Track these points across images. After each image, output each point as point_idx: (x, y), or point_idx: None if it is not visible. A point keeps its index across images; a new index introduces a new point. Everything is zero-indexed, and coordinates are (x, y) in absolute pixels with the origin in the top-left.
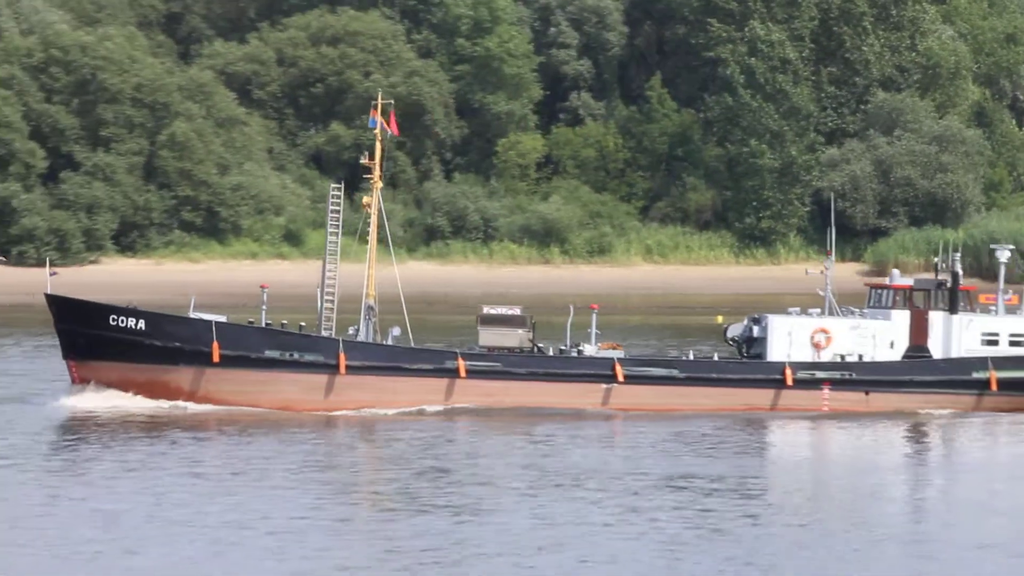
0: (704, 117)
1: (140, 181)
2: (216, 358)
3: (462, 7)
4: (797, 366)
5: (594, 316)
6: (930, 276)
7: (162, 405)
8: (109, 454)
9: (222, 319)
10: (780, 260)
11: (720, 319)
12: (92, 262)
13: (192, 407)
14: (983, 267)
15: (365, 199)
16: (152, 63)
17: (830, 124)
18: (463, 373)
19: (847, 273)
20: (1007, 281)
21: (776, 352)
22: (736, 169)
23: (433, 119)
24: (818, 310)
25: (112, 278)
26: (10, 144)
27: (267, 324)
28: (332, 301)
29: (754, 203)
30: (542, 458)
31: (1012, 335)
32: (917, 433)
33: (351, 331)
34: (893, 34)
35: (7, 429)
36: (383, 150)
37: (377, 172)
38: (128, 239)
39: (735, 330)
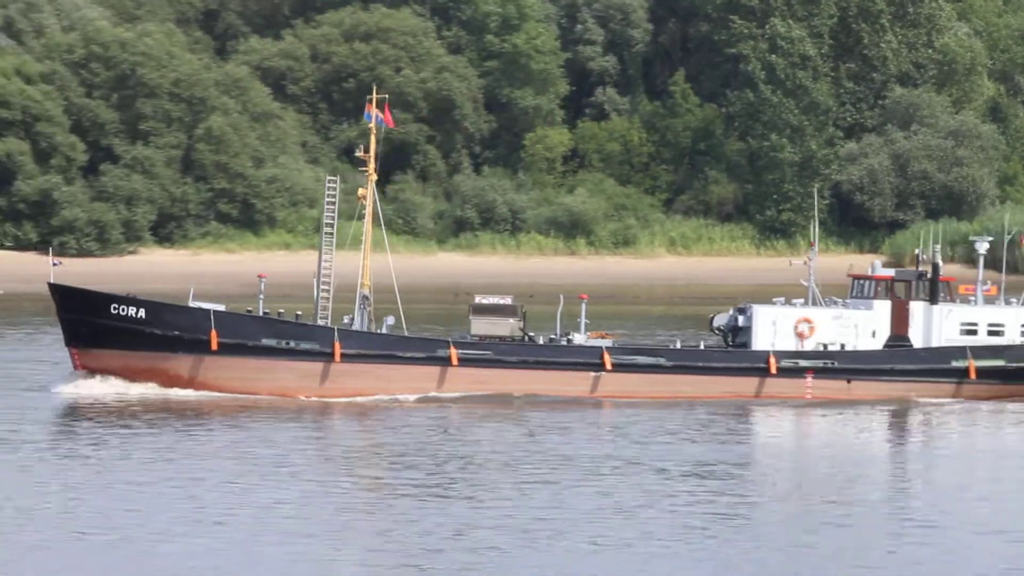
0: (726, 112)
1: (178, 174)
2: (214, 346)
3: (491, 4)
4: (781, 355)
5: (583, 306)
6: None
7: (163, 391)
8: (143, 440)
9: (221, 308)
10: (800, 252)
11: None
12: (131, 252)
13: (191, 393)
14: (996, 258)
15: (360, 191)
16: (190, 59)
17: (849, 119)
18: (455, 361)
19: (864, 265)
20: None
21: (761, 341)
22: (757, 163)
23: (462, 114)
24: (801, 300)
25: (150, 268)
26: (52, 138)
27: (265, 313)
28: (328, 291)
29: (774, 196)
30: (556, 446)
31: (990, 325)
32: (897, 420)
33: (346, 320)
34: (910, 31)
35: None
36: (378, 143)
37: (372, 165)
38: (166, 230)
39: (721, 319)
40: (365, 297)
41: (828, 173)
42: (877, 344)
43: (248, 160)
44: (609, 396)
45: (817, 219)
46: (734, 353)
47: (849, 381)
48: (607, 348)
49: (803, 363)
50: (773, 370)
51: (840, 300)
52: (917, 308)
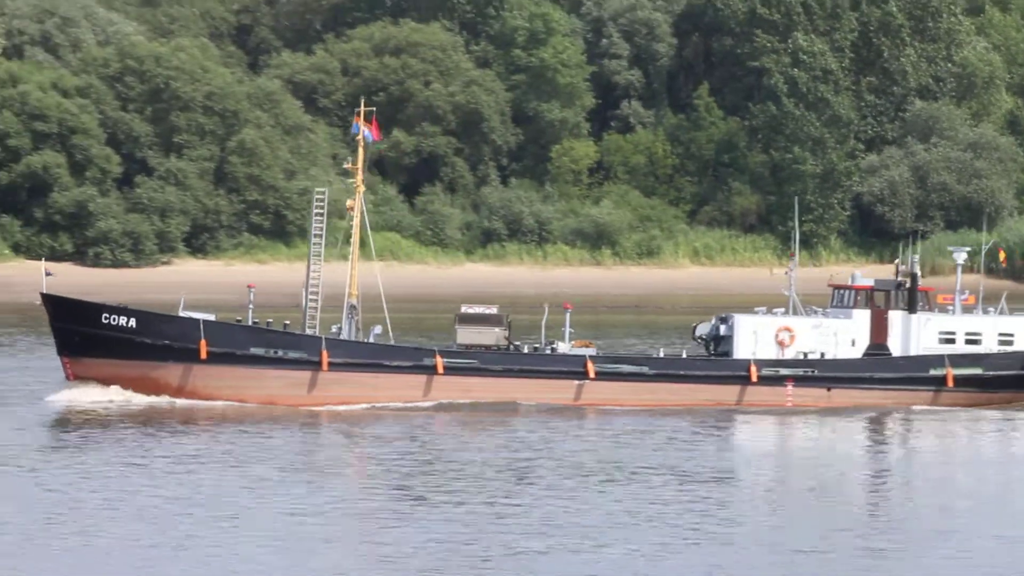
0: (749, 125)
1: (211, 186)
2: (204, 355)
3: (518, 19)
4: (762, 363)
5: (567, 316)
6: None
7: (154, 400)
8: (154, 447)
9: (211, 318)
10: (821, 262)
11: None
12: (164, 263)
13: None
14: (1016, 268)
15: (349, 202)
16: (223, 73)
17: (870, 132)
18: (441, 369)
19: (885, 275)
20: None
21: (742, 350)
22: (780, 175)
23: (490, 126)
24: (782, 309)
25: (183, 278)
26: (87, 150)
27: (254, 322)
28: (316, 300)
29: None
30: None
31: (968, 334)
32: (876, 427)
33: (334, 329)
34: (930, 45)
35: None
36: (366, 155)
37: (359, 177)
38: (199, 241)
39: (703, 329)
40: (353, 307)
41: (849, 185)
42: (857, 352)
43: (280, 172)
44: (592, 404)
45: (798, 231)
46: (716, 362)
47: (829, 389)
48: (590, 357)
49: (784, 371)
50: (754, 378)
51: (820, 309)
52: (896, 317)
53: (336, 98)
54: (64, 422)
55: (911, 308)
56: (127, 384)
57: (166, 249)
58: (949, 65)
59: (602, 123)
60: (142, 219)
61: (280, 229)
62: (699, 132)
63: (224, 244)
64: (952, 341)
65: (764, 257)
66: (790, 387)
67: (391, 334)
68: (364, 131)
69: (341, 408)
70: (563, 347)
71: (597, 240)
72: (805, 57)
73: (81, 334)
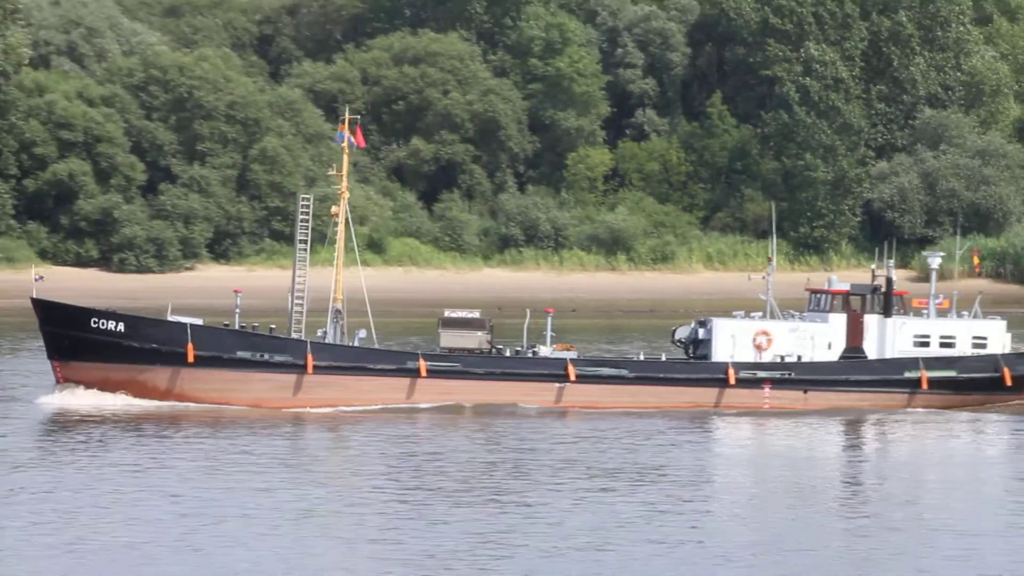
0: (761, 133)
1: (233, 193)
2: (191, 358)
3: (535, 30)
4: (740, 366)
5: (549, 319)
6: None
7: (142, 403)
8: (174, 449)
9: (198, 322)
10: (833, 267)
11: None
12: (188, 269)
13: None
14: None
15: (334, 208)
16: (245, 82)
17: (880, 139)
18: (424, 372)
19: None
20: None
21: (720, 353)
22: (791, 181)
23: (507, 134)
24: (760, 313)
25: (206, 283)
26: (112, 158)
27: (241, 326)
28: (302, 305)
29: (808, 213)
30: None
31: (942, 337)
32: (852, 429)
33: (319, 333)
34: (939, 54)
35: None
36: (350, 162)
37: (344, 183)
38: (222, 247)
39: (682, 332)
40: (338, 311)
41: (860, 191)
42: (833, 356)
43: (301, 179)
44: (573, 406)
45: (774, 237)
46: (694, 364)
47: (806, 391)
48: (571, 360)
49: (761, 374)
50: (732, 381)
51: (797, 313)
52: (871, 321)
53: (356, 107)
54: (53, 424)
55: (886, 312)
56: (116, 387)
57: (189, 255)
58: (958, 74)
59: (617, 131)
60: (166, 225)
61: None
62: (712, 140)
63: (246, 250)
64: (927, 344)
65: (776, 262)
66: (767, 389)
67: (375, 338)
68: (348, 138)
69: (326, 410)
70: (544, 350)
71: (612, 246)
72: (817, 66)
73: (70, 338)
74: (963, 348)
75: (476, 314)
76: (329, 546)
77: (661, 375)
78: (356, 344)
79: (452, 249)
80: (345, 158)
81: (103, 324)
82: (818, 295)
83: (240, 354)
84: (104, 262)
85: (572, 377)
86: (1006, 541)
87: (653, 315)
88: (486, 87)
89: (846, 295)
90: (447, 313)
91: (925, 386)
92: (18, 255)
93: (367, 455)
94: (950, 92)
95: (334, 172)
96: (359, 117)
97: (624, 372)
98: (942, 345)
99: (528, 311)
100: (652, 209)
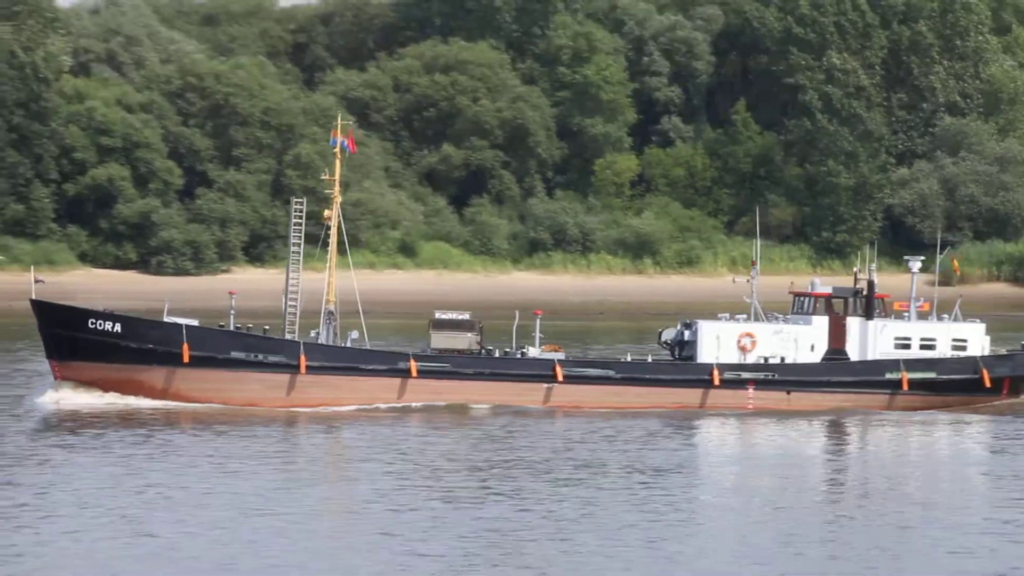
0: (785, 139)
1: (268, 197)
2: (186, 359)
3: (563, 38)
4: (724, 367)
5: (537, 321)
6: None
7: (139, 403)
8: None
9: (194, 323)
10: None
11: None
12: (224, 271)
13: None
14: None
15: (326, 212)
16: (279, 89)
17: (900, 146)
18: (414, 373)
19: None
20: None
21: (705, 355)
22: (814, 187)
23: (536, 141)
24: (744, 316)
25: (241, 286)
26: (150, 163)
27: (236, 327)
28: (295, 306)
29: (830, 218)
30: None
31: (923, 339)
32: (834, 429)
33: (312, 334)
34: (958, 63)
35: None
36: (342, 167)
37: (337, 188)
38: (257, 250)
39: (668, 334)
40: (331, 313)
41: (881, 197)
42: (815, 357)
43: (334, 184)
44: (560, 407)
45: (758, 241)
46: (680, 366)
47: (789, 392)
48: (559, 361)
49: (745, 375)
50: (716, 382)
51: (781, 316)
52: (853, 323)
53: (388, 114)
54: (49, 422)
55: (868, 315)
56: (112, 387)
57: (226, 258)
58: (976, 82)
59: (643, 137)
60: (203, 229)
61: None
62: (737, 146)
63: (281, 253)
64: (908, 346)
65: (800, 266)
66: (751, 390)
67: (367, 338)
68: (342, 142)
69: (320, 409)
70: (533, 352)
71: (639, 249)
72: (838, 74)
73: (69, 338)
74: (943, 350)
75: (466, 316)
76: (375, 541)
77: (647, 376)
78: (348, 345)
79: (482, 253)
80: (338, 163)
81: (100, 325)
82: (801, 298)
83: (235, 354)
84: (142, 265)
85: (560, 378)
86: (990, 537)
87: (681, 317)
88: (515, 94)
89: (828, 298)
90: (437, 315)
91: (906, 387)
92: (59, 258)
93: (406, 453)
94: (969, 100)
95: (326, 176)
96: (352, 123)
97: (611, 373)
98: (923, 347)
99: (517, 313)
100: (678, 214)
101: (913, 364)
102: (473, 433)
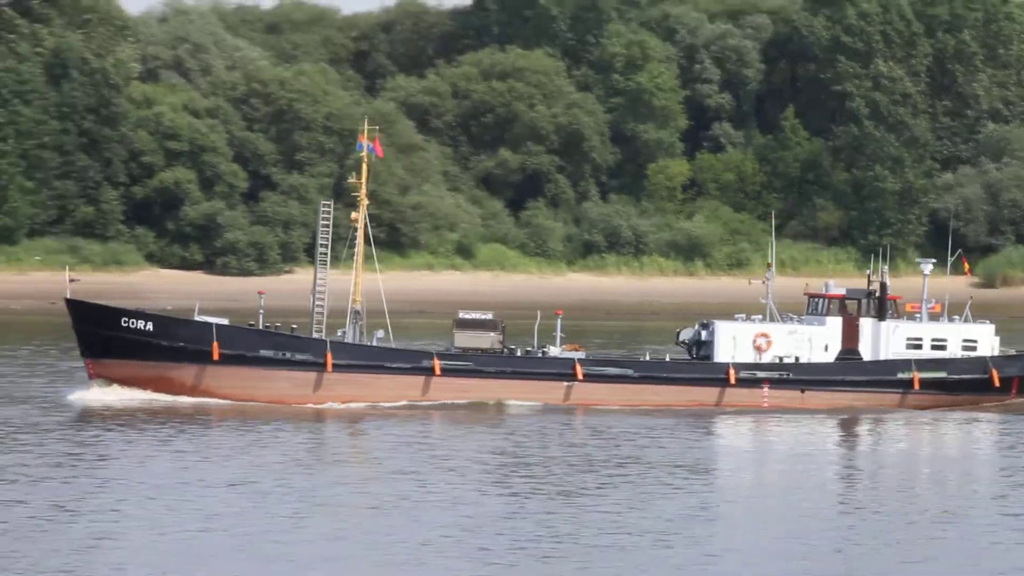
0: (832, 145)
1: (330, 200)
2: (216, 356)
3: (617, 47)
4: (740, 367)
5: (559, 321)
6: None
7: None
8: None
9: (224, 322)
10: (900, 273)
11: None
12: (287, 272)
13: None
14: None
15: (353, 215)
16: (341, 95)
17: (945, 152)
18: (438, 371)
19: (959, 285)
20: None
21: (722, 354)
22: (861, 192)
23: (590, 146)
24: (760, 316)
25: (304, 286)
26: (216, 167)
27: (265, 326)
28: (323, 306)
29: (877, 222)
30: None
31: (934, 340)
32: (847, 427)
33: (339, 333)
34: (1001, 71)
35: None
36: (368, 171)
37: (363, 190)
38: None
39: (686, 334)
40: (357, 312)
41: (926, 201)
42: (829, 357)
43: (395, 188)
44: (580, 404)
45: (774, 245)
46: (697, 365)
47: (803, 391)
48: (579, 360)
49: (760, 374)
50: (732, 381)
51: (796, 317)
52: (866, 324)
53: (447, 119)
54: (86, 418)
55: (880, 316)
56: (144, 384)
57: (288, 259)
58: (1019, 89)
59: (695, 143)
60: (266, 231)
61: (395, 241)
62: (786, 152)
63: (342, 255)
64: (919, 347)
65: (846, 269)
66: (766, 389)
67: (392, 338)
68: (368, 146)
69: (343, 406)
70: (554, 351)
71: (690, 252)
72: (885, 82)
73: (102, 337)
74: (954, 350)
75: (489, 316)
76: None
77: (665, 375)
78: (374, 344)
79: (537, 254)
80: (364, 167)
81: (133, 324)
82: (816, 299)
83: (263, 352)
84: (208, 265)
85: (580, 376)
86: (996, 532)
87: (730, 317)
88: (570, 101)
89: (842, 299)
90: (461, 315)
91: (917, 387)
92: (127, 259)
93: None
94: (1012, 107)
95: (353, 179)
96: (377, 128)
97: (629, 372)
98: (933, 348)
99: (539, 313)
100: (728, 217)
101: (924, 364)
102: (502, 431)
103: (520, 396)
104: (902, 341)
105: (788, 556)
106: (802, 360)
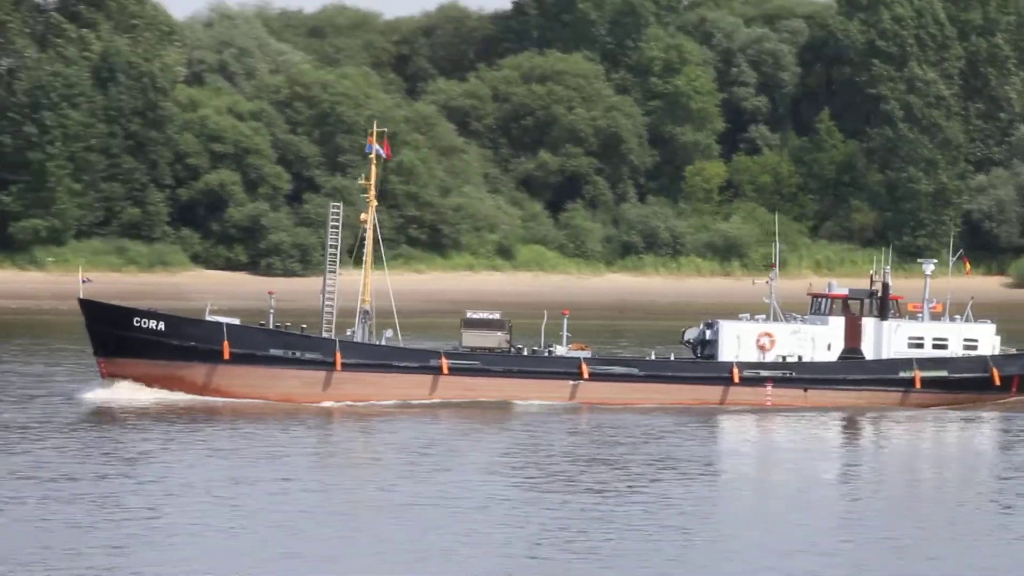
0: (867, 147)
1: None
2: (226, 356)
3: (655, 50)
4: (744, 366)
5: (565, 320)
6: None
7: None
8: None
9: (234, 321)
10: (935, 273)
11: None
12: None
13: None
14: None
15: (363, 216)
16: (383, 98)
17: (978, 154)
18: (446, 370)
19: (992, 285)
20: None
21: (726, 353)
22: (895, 193)
23: (629, 148)
24: (763, 316)
25: (346, 287)
26: (260, 169)
27: (276, 326)
28: (332, 306)
29: (911, 223)
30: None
31: (935, 339)
32: (849, 425)
33: (348, 332)
34: None
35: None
36: (378, 173)
37: (372, 192)
38: (361, 252)
39: (691, 333)
40: (366, 312)
41: (959, 203)
42: (832, 356)
43: (435, 190)
44: (586, 403)
45: (778, 246)
46: (701, 364)
47: (806, 390)
48: (585, 359)
49: (764, 373)
50: (736, 379)
51: (799, 316)
52: (868, 323)
53: (487, 122)
54: (99, 416)
55: (883, 315)
56: (156, 382)
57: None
58: None
59: (731, 145)
60: (309, 232)
61: (436, 242)
62: (821, 153)
63: (384, 256)
64: (920, 346)
65: (879, 269)
66: (769, 388)
67: (400, 337)
68: (377, 149)
69: (352, 404)
70: (560, 350)
71: (727, 252)
72: (919, 85)
73: (114, 336)
74: (955, 350)
75: (497, 315)
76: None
77: (669, 373)
78: (383, 343)
79: (576, 255)
80: (373, 168)
81: (145, 323)
82: (819, 299)
83: (273, 352)
84: (252, 266)
85: (585, 375)
86: (997, 532)
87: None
88: (609, 104)
89: (845, 299)
90: (469, 314)
91: (918, 385)
92: (172, 259)
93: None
94: None
95: (362, 181)
96: (386, 131)
97: (634, 371)
98: (935, 347)
99: (545, 312)
100: (764, 218)
101: (926, 363)
102: (510, 429)
103: (527, 395)
104: (904, 340)
105: (794, 554)
106: (805, 359)
